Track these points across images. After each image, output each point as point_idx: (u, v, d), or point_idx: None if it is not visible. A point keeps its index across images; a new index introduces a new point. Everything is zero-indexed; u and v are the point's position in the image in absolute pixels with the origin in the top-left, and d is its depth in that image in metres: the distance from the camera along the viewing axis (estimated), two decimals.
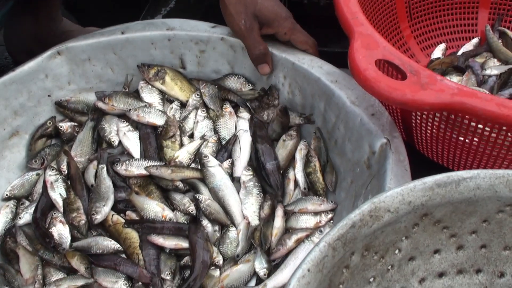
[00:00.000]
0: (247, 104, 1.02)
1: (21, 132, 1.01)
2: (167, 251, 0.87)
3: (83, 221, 0.89)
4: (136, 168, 0.94)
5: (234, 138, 0.98)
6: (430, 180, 0.53)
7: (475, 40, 1.16)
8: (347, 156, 0.86)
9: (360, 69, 0.70)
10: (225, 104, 1.02)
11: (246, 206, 0.90)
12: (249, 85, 1.03)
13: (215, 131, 1.01)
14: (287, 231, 0.88)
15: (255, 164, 0.94)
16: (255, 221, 0.88)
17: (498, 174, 0.54)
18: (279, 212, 0.89)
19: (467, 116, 0.72)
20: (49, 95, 1.03)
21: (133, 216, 0.91)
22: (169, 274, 0.84)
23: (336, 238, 0.50)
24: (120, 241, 0.87)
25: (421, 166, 0.86)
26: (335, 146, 0.90)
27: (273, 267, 0.85)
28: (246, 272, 0.85)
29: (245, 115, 1.01)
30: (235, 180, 0.94)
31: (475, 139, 0.76)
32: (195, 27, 1.03)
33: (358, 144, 0.83)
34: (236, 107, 1.03)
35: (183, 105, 1.05)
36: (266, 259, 0.84)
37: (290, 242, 0.86)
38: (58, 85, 1.04)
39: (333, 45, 1.20)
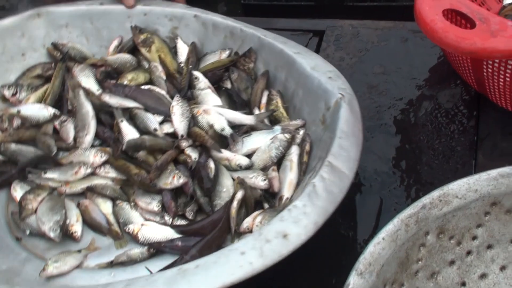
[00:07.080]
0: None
1: None
2: None
3: None
4: None
5: None
6: (493, 171, 0.59)
7: None
8: (304, 119, 0.92)
9: (427, 20, 0.68)
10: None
11: None
12: (226, 51, 1.05)
13: None
14: None
15: None
16: None
17: None
18: None
19: None
20: (22, 54, 1.07)
21: None
22: None
23: (408, 216, 0.57)
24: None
25: (493, 116, 0.88)
26: (293, 112, 0.96)
27: None
28: None
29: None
30: None
31: None
32: (171, 4, 1.10)
33: (314, 105, 0.88)
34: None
35: None
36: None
37: None
38: (33, 46, 1.08)
39: None
